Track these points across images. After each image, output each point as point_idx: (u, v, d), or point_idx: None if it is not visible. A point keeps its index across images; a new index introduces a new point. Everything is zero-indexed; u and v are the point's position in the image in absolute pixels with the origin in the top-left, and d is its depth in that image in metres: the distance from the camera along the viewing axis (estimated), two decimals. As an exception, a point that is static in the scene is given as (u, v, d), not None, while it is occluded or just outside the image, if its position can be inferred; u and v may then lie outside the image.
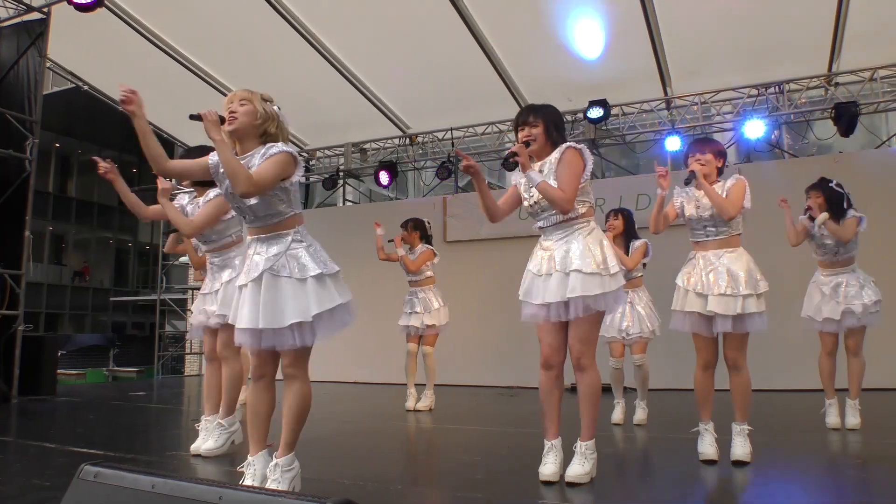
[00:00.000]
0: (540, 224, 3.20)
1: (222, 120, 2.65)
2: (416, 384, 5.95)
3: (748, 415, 3.48)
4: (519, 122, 3.20)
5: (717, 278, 3.42)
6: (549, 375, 3.14)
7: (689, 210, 3.60)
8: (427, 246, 5.89)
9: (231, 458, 3.75)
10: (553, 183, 3.04)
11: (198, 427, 3.94)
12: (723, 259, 3.47)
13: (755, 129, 7.59)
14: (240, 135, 2.72)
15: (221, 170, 2.67)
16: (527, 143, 3.14)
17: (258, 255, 2.74)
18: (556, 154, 3.11)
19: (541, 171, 3.13)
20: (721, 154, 3.62)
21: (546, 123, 3.15)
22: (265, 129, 2.75)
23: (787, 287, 4.81)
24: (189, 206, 4.00)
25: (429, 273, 5.89)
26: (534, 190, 3.10)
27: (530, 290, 3.15)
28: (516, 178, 3.33)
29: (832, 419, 4.43)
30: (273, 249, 2.72)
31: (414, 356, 5.88)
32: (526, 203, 3.22)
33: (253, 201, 2.68)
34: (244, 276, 2.77)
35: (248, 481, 2.73)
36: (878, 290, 4.41)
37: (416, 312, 5.77)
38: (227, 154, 2.55)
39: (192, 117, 2.59)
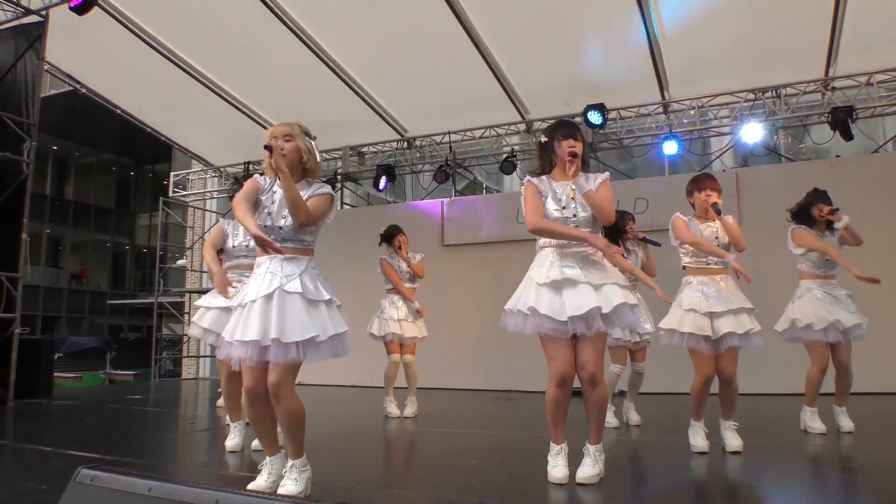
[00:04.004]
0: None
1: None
2: (395, 388, 5.80)
3: (734, 415, 3.90)
4: (569, 133, 3.24)
5: (721, 300, 3.78)
6: (563, 391, 3.14)
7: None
8: (420, 255, 5.82)
9: (248, 459, 3.76)
10: None
11: (231, 425, 4.20)
12: (720, 283, 3.85)
13: (752, 133, 7.63)
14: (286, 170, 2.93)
15: (265, 196, 2.93)
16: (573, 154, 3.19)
17: (271, 273, 2.85)
18: (599, 177, 3.24)
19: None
20: (720, 192, 3.97)
21: (584, 145, 3.30)
22: (306, 165, 3.00)
23: (775, 290, 4.84)
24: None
25: (415, 284, 5.82)
26: (578, 205, 3.17)
27: (546, 302, 3.08)
28: (543, 185, 3.30)
29: (817, 424, 4.44)
30: (288, 269, 2.87)
31: (397, 365, 5.71)
32: (556, 212, 3.19)
33: (287, 224, 2.86)
34: (253, 292, 2.85)
35: (263, 476, 2.91)
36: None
37: (403, 320, 5.60)
38: (293, 187, 2.79)
39: (266, 148, 2.82)
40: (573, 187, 3.18)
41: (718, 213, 3.80)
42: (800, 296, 4.49)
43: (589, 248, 3.17)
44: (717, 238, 3.84)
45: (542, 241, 3.28)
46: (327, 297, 2.87)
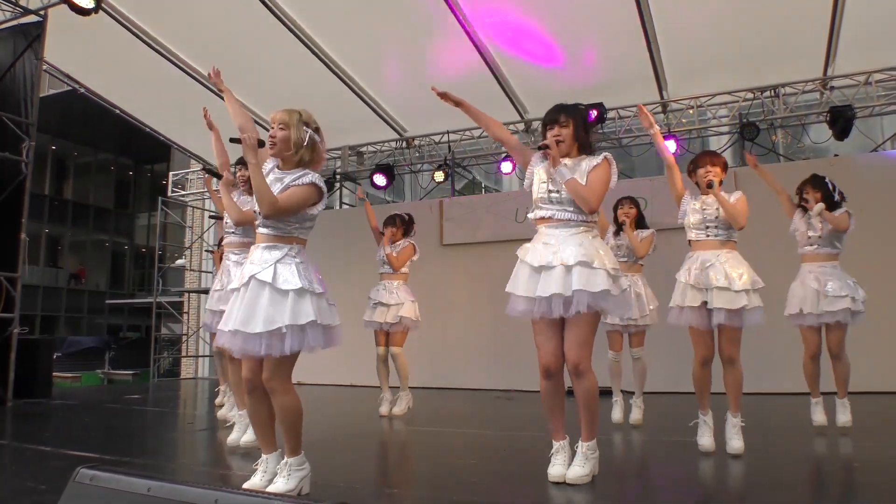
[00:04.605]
0: (548, 214, 3.14)
1: (261, 144, 2.89)
2: (390, 387, 5.78)
3: (740, 407, 3.74)
4: (549, 121, 3.22)
5: (717, 274, 3.69)
6: (552, 382, 3.13)
7: (695, 217, 3.86)
8: (409, 241, 5.74)
9: (248, 459, 3.76)
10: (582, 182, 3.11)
11: (229, 422, 4.27)
12: (720, 257, 3.74)
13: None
14: (279, 157, 2.94)
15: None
16: (557, 142, 3.17)
17: (253, 263, 2.87)
18: (594, 160, 3.15)
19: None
20: (725, 167, 3.93)
21: (576, 123, 3.20)
22: (300, 156, 2.93)
23: (777, 290, 4.86)
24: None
25: (405, 270, 5.73)
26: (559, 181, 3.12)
27: (523, 283, 3.09)
28: (536, 160, 3.29)
29: (818, 417, 4.45)
30: (266, 257, 2.85)
31: (384, 359, 5.65)
32: (544, 189, 3.16)
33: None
34: (238, 281, 2.91)
35: (258, 476, 2.89)
36: (862, 291, 4.41)
37: (383, 304, 5.52)
38: (258, 178, 2.77)
39: (232, 140, 2.86)
40: (566, 166, 3.12)
41: (710, 186, 3.78)
42: (794, 281, 4.55)
43: (581, 228, 3.10)
44: (718, 210, 3.77)
45: (530, 216, 3.26)
46: (298, 285, 2.77)
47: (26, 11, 7.07)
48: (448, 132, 9.16)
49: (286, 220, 2.86)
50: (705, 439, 3.78)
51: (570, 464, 3.10)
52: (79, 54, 8.09)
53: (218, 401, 6.43)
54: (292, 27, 7.21)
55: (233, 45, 7.68)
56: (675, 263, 4.00)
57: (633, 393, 5.02)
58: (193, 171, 11.89)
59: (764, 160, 8.33)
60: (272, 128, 2.94)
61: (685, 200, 3.93)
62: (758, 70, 7.44)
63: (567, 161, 3.17)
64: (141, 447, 4.56)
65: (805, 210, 4.56)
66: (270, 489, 2.76)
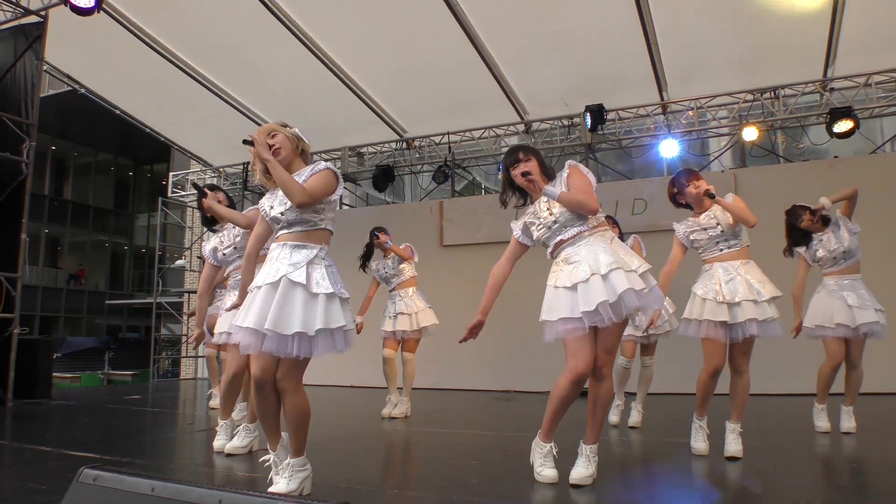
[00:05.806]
0: (560, 238, 3.16)
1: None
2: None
3: (742, 416, 3.74)
4: (511, 161, 3.29)
5: (740, 286, 3.66)
6: (577, 388, 3.09)
7: (699, 236, 3.82)
8: (406, 243, 5.77)
9: (248, 459, 3.77)
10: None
11: (216, 428, 4.18)
12: (739, 269, 3.72)
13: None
14: (285, 162, 2.92)
15: (269, 201, 2.96)
16: (526, 173, 3.21)
17: (280, 261, 2.83)
18: (562, 173, 3.21)
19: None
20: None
21: (537, 159, 3.29)
22: (301, 148, 3.02)
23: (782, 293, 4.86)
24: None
25: (412, 273, 5.76)
26: (552, 208, 3.16)
27: (558, 306, 3.06)
28: (515, 229, 3.35)
29: (823, 423, 4.48)
30: (296, 257, 2.84)
31: (392, 361, 5.67)
32: (543, 227, 3.20)
33: (286, 207, 2.85)
34: (261, 278, 2.85)
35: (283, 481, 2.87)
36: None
37: (403, 314, 5.58)
38: (280, 171, 2.79)
39: (245, 142, 2.89)
40: (545, 200, 3.19)
41: (713, 197, 3.71)
42: (815, 293, 4.53)
43: (594, 234, 3.12)
44: (718, 223, 3.72)
45: (548, 254, 3.28)
46: (330, 290, 2.81)
47: (27, 12, 7.09)
48: (448, 133, 9.16)
49: (314, 211, 2.86)
50: (700, 443, 3.78)
51: (558, 465, 3.13)
52: (79, 54, 8.10)
53: (212, 403, 6.43)
54: (293, 28, 7.22)
55: (233, 46, 7.70)
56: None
57: (633, 394, 5.03)
58: (193, 172, 11.89)
59: (763, 161, 8.35)
60: (263, 146, 2.87)
61: (679, 228, 3.88)
62: (758, 71, 7.46)
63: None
64: (141, 448, 4.56)
65: (809, 241, 4.50)
66: (272, 490, 2.77)
